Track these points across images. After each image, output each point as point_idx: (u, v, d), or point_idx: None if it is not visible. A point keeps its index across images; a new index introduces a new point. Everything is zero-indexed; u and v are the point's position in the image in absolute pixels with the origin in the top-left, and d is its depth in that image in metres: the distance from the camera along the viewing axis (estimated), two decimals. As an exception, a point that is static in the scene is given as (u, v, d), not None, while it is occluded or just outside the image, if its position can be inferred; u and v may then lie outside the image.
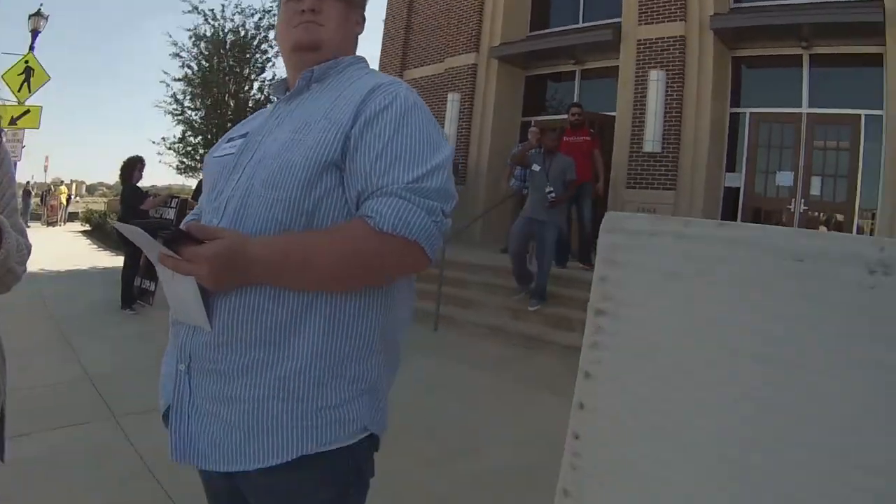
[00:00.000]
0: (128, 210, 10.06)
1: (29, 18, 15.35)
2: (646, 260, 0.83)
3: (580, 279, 9.41)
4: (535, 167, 8.98)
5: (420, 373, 6.41)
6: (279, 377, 1.44)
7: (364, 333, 1.52)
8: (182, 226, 1.49)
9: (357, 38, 1.83)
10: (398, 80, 1.66)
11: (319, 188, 1.48)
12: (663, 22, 12.53)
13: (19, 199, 2.18)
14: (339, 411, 1.48)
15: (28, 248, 1.99)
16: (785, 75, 12.10)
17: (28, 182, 36.09)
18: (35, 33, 15.17)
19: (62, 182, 37.12)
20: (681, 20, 12.31)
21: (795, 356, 0.72)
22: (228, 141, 1.80)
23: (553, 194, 8.65)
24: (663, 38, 12.48)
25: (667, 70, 12.26)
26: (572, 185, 9.08)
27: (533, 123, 13.99)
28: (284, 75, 1.87)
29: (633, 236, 0.85)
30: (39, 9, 15.46)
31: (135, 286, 10.03)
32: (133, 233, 1.44)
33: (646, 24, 12.78)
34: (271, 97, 1.86)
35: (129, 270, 9.99)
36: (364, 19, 1.84)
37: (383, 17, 19.68)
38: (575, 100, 14.27)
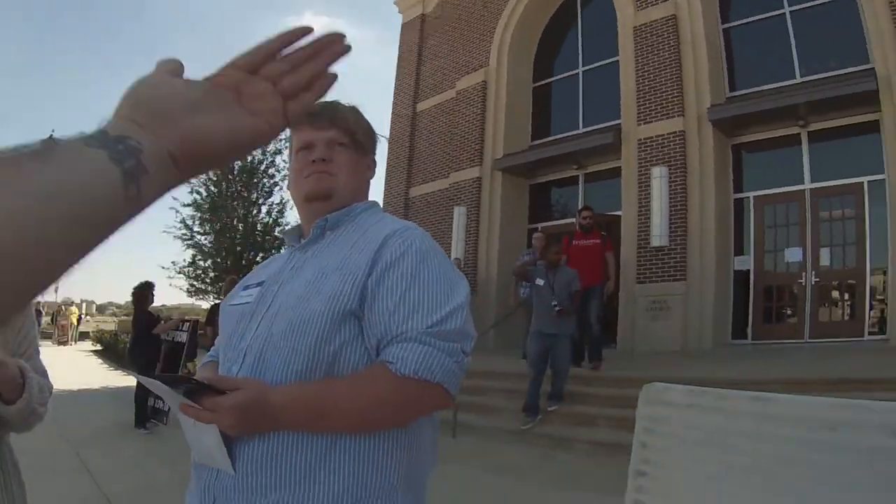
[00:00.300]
0: (140, 334, 10.23)
1: None
2: (683, 431, 0.87)
3: (595, 377, 9.35)
4: (539, 281, 8.85)
5: (443, 483, 6.25)
6: None
7: (389, 472, 1.50)
8: (202, 377, 1.50)
9: (369, 184, 1.86)
10: (412, 225, 1.67)
11: (338, 338, 1.48)
12: (662, 119, 12.77)
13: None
14: None
15: (49, 388, 2.05)
16: (785, 155, 12.25)
17: (39, 302, 36.45)
18: None
19: (73, 302, 37.35)
20: (679, 115, 12.55)
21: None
22: (245, 289, 1.80)
23: (558, 307, 8.50)
24: (663, 135, 12.68)
25: (668, 165, 12.38)
26: (577, 296, 8.94)
27: (539, 229, 14.03)
28: (296, 217, 1.88)
29: (671, 408, 0.89)
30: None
31: (148, 405, 9.95)
32: (154, 385, 1.47)
33: (645, 123, 13.03)
34: (285, 244, 1.86)
35: (142, 390, 9.71)
36: (375, 164, 1.86)
37: (387, 136, 20.05)
38: (579, 203, 14.43)
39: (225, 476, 1.48)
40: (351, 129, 1.74)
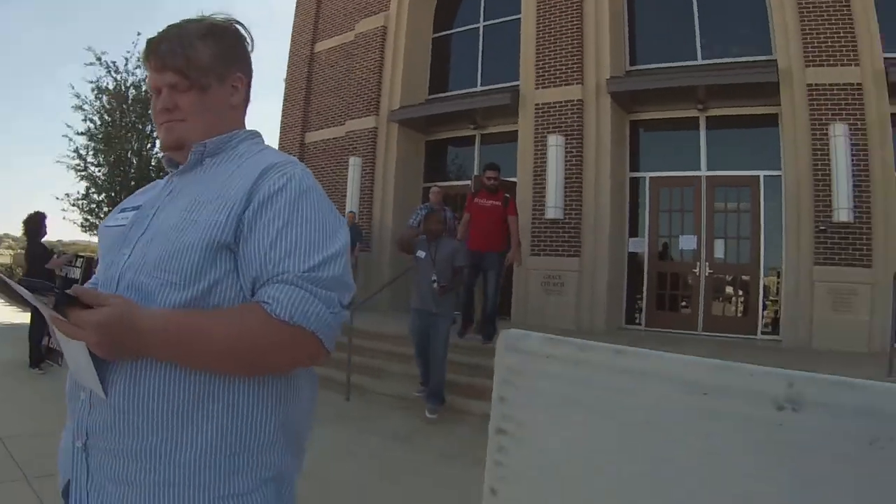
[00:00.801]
0: (33, 267, 10.11)
1: None
2: (543, 385, 0.83)
3: (486, 350, 9.26)
4: (421, 254, 8.32)
5: (335, 444, 6.37)
6: (178, 464, 1.41)
7: (264, 424, 1.48)
8: (72, 290, 1.40)
9: (240, 107, 1.78)
10: (293, 159, 1.63)
11: (213, 272, 1.45)
12: (561, 86, 12.66)
13: None
14: (243, 500, 1.45)
15: None
16: (682, 138, 12.35)
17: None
18: None
19: None
20: (578, 83, 12.46)
21: (693, 493, 0.70)
22: (121, 211, 1.76)
23: (438, 284, 8.01)
24: (561, 101, 12.58)
25: (565, 135, 12.31)
26: (460, 272, 8.44)
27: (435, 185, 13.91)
28: None
29: (530, 358, 0.85)
30: None
31: (42, 345, 9.81)
32: (22, 293, 1.44)
33: (543, 87, 12.89)
34: (165, 166, 1.77)
35: (36, 328, 9.76)
36: (243, 85, 1.76)
37: (283, 77, 19.46)
38: (476, 164, 14.41)
39: (97, 411, 1.46)
40: (186, 67, 1.63)
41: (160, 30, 1.71)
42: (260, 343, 1.39)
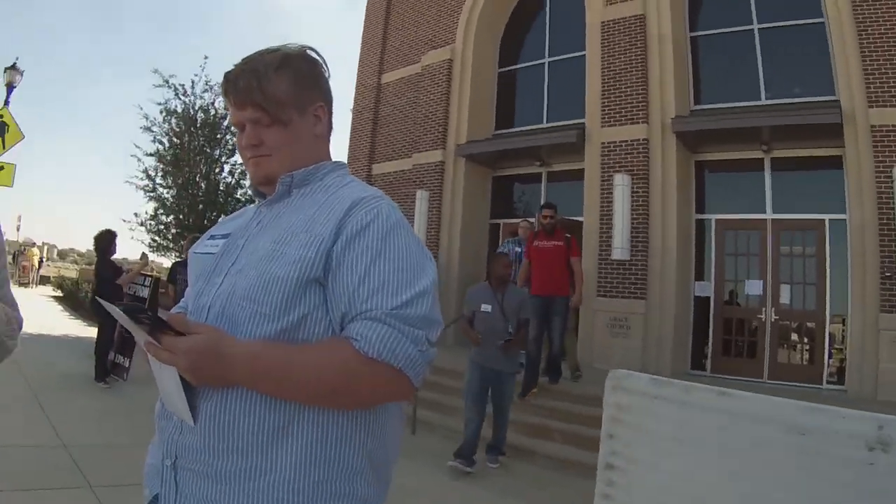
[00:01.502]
0: (102, 283, 10.36)
1: (4, 72, 15.16)
2: (650, 423, 0.88)
3: (554, 389, 9.40)
4: (486, 307, 7.57)
5: (401, 477, 6.49)
6: (263, 489, 1.45)
7: (351, 453, 1.53)
8: (165, 317, 1.48)
9: (323, 136, 1.81)
10: (380, 193, 1.66)
11: (302, 306, 1.49)
12: (626, 124, 12.82)
13: None
14: None
15: (19, 322, 2.01)
16: (747, 179, 12.42)
17: (-1, 234, 36.65)
18: (10, 87, 15.00)
19: (34, 244, 37.20)
20: (643, 122, 12.61)
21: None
22: (210, 238, 1.82)
23: (506, 339, 7.40)
24: (627, 140, 12.75)
25: (631, 174, 12.48)
26: (526, 325, 7.82)
27: (502, 225, 14.22)
28: None
29: (636, 397, 0.90)
30: (15, 63, 15.36)
31: (108, 360, 10.17)
32: (118, 314, 1.47)
33: (608, 125, 13.07)
34: (253, 195, 1.87)
35: (103, 344, 10.12)
36: (325, 113, 1.79)
37: (350, 107, 19.98)
38: (542, 203, 14.49)
39: (187, 433, 1.52)
40: (266, 102, 1.67)
41: (237, 63, 1.76)
42: (348, 379, 1.44)
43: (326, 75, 1.81)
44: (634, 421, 0.94)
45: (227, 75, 1.72)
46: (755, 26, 12.45)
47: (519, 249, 10.99)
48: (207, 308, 1.57)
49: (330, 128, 1.83)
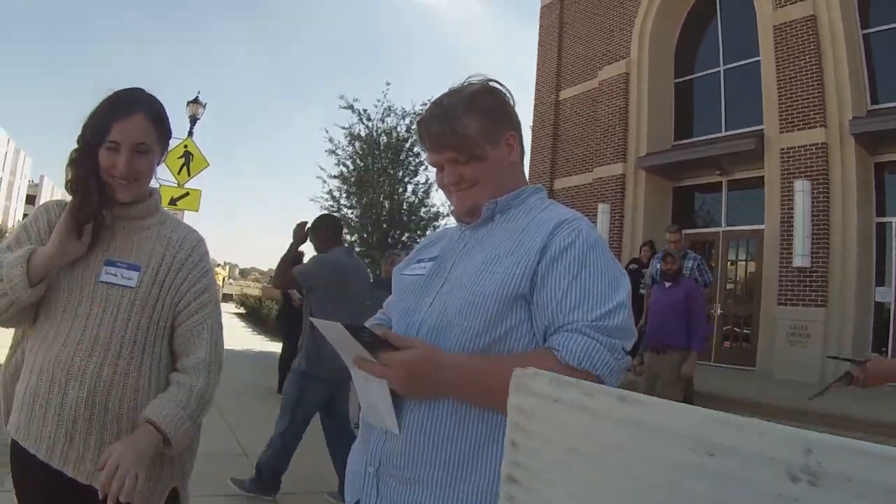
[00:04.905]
0: (287, 302, 11.78)
1: (187, 105, 16.86)
2: (551, 430, 0.88)
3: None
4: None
5: None
6: (465, 493, 1.63)
7: None
8: (381, 333, 1.66)
9: (518, 162, 1.98)
10: (579, 215, 1.83)
11: (509, 320, 1.68)
12: (804, 129, 13.48)
13: None
14: None
15: (202, 393, 2.20)
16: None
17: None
18: (193, 119, 16.70)
19: (217, 264, 39.75)
20: (821, 126, 13.23)
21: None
22: (418, 261, 2.03)
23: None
24: (805, 145, 13.39)
25: (811, 179, 13.10)
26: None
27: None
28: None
29: (539, 400, 0.91)
30: (197, 96, 17.02)
31: None
32: (332, 330, 1.65)
33: (787, 131, 13.78)
34: (455, 220, 2.05)
35: (287, 358, 11.09)
36: (516, 140, 1.95)
37: (530, 124, 21.44)
38: (723, 212, 15.47)
39: (392, 441, 1.71)
40: (460, 143, 1.85)
41: (427, 108, 1.97)
42: None
43: (512, 103, 1.99)
44: (536, 428, 0.92)
45: (420, 122, 1.95)
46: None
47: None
48: (419, 325, 1.78)
49: (522, 152, 1.99)
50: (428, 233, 23.79)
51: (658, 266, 9.30)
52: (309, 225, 6.15)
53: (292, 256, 6.10)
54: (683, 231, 16.15)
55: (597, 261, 1.68)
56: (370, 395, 1.72)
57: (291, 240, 6.04)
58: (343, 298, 5.93)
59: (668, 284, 8.22)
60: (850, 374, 3.43)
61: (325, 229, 6.33)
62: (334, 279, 5.93)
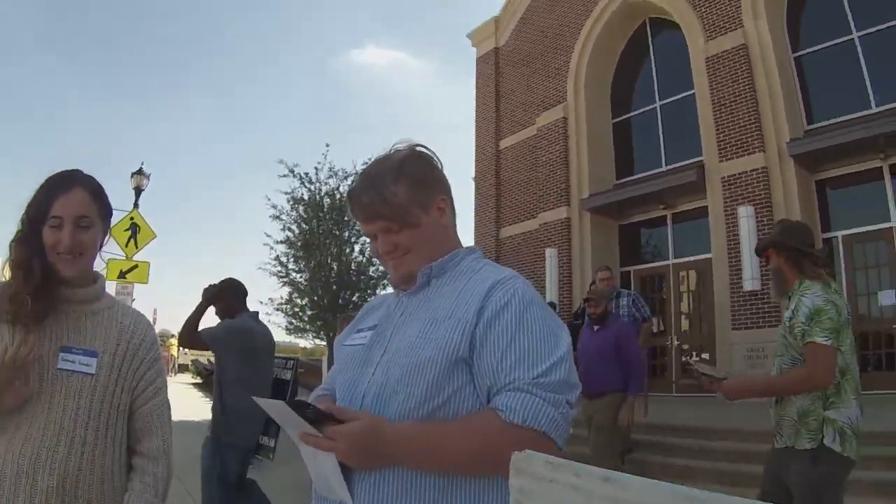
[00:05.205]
0: None
1: (132, 176, 16.43)
2: None
3: (688, 428, 9.72)
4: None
5: None
6: None
7: None
8: (322, 407, 1.67)
9: (450, 225, 2.00)
10: (514, 273, 1.87)
11: (451, 384, 1.69)
12: (743, 156, 13.70)
13: None
14: None
15: (163, 476, 2.27)
16: (869, 191, 12.92)
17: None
18: (138, 191, 16.28)
19: (172, 335, 39.59)
20: (760, 151, 13.48)
21: None
22: (358, 331, 2.05)
23: None
24: (746, 171, 13.59)
25: (754, 204, 13.27)
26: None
27: (633, 272, 15.29)
28: None
29: (535, 481, 0.91)
30: (141, 167, 16.59)
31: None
32: (276, 408, 1.66)
33: (727, 159, 13.99)
34: (392, 287, 2.07)
35: None
36: (447, 203, 1.98)
37: (472, 175, 21.62)
38: (670, 246, 15.57)
39: None
40: (391, 213, 1.87)
41: (356, 180, 2.02)
42: (496, 447, 1.51)
43: (440, 167, 2.02)
44: (534, 511, 0.96)
45: (350, 194, 1.99)
46: (855, 35, 13.13)
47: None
48: (362, 395, 1.78)
49: (454, 213, 2.02)
50: (378, 291, 23.82)
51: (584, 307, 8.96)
52: (216, 288, 6.03)
53: (199, 317, 5.94)
54: (633, 268, 16.33)
55: (534, 318, 1.71)
56: (320, 468, 1.71)
57: (200, 299, 5.93)
58: (254, 363, 5.88)
59: (596, 328, 7.75)
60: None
61: (230, 294, 6.17)
62: (245, 345, 5.81)
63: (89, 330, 2.22)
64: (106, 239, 2.35)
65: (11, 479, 2.00)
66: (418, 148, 1.98)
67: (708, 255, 14.21)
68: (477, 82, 22.06)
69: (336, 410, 1.66)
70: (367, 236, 1.98)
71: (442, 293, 1.85)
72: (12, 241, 2.19)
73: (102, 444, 2.15)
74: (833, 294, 3.57)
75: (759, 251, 4.11)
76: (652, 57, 17.05)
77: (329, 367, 15.11)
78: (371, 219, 1.89)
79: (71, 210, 2.15)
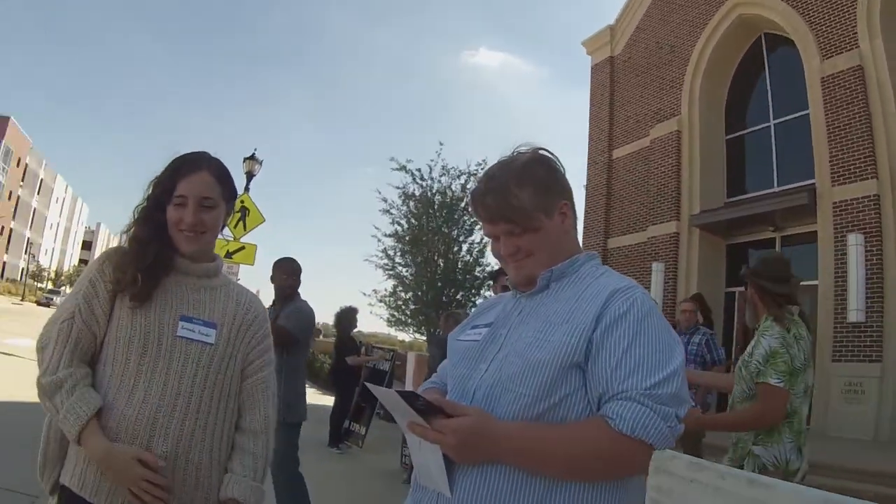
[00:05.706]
0: (340, 358, 12.12)
1: (244, 161, 16.81)
2: None
3: None
4: None
5: None
6: None
7: None
8: (433, 399, 1.68)
9: (571, 229, 2.02)
10: (634, 283, 1.87)
11: (563, 388, 1.70)
12: (855, 181, 13.39)
13: None
14: None
15: (264, 458, 2.38)
16: None
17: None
18: (250, 176, 16.74)
19: None
20: (873, 177, 13.13)
21: None
22: (473, 327, 2.08)
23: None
24: (857, 198, 13.28)
25: (864, 233, 12.97)
26: None
27: (737, 294, 14.93)
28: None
29: (676, 480, 0.95)
30: (254, 153, 16.98)
31: (343, 427, 11.71)
32: (388, 397, 1.72)
33: (839, 184, 13.68)
34: (511, 288, 2.08)
35: (339, 412, 11.71)
36: (569, 208, 1.99)
37: (584, 184, 21.67)
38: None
39: (444, 502, 1.75)
40: (514, 215, 1.90)
41: (479, 181, 2.01)
42: (603, 455, 1.61)
43: (562, 171, 2.02)
44: (672, 510, 0.88)
45: (474, 195, 2.00)
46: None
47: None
48: (473, 391, 1.82)
49: (575, 218, 2.03)
50: (483, 292, 24.31)
51: None
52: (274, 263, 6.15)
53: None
54: (738, 289, 16.07)
55: (651, 329, 1.72)
56: (423, 456, 1.76)
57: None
58: (307, 348, 6.09)
59: None
60: None
61: (289, 270, 6.18)
62: (312, 330, 6.12)
63: (208, 303, 2.35)
64: (228, 217, 2.47)
65: (127, 443, 2.08)
66: (541, 152, 2.00)
67: (814, 282, 13.89)
68: (591, 91, 22.10)
69: (446, 404, 1.69)
70: (489, 237, 2.00)
71: (560, 297, 1.87)
72: (135, 211, 2.34)
73: (216, 412, 2.25)
74: (791, 338, 3.66)
75: (741, 279, 4.22)
76: (767, 75, 16.79)
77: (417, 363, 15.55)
78: (494, 221, 1.92)
79: (195, 190, 2.28)
